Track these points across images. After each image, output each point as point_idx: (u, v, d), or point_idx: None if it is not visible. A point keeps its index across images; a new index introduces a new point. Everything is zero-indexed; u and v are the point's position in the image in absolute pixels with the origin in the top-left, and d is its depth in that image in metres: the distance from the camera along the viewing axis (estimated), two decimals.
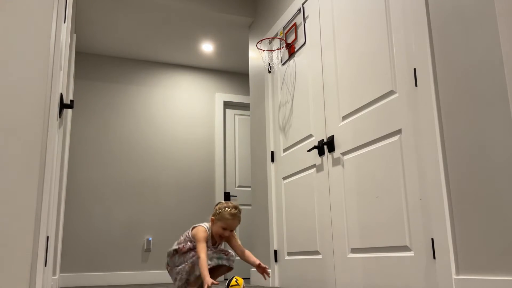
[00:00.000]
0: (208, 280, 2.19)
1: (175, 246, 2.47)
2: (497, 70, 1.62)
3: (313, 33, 3.04)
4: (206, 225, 2.45)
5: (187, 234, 2.48)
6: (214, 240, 2.44)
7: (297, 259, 2.99)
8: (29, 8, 1.49)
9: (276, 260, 3.30)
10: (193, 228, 2.45)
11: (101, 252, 4.44)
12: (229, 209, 2.38)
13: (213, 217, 2.41)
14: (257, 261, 2.41)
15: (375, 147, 2.33)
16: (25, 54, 1.46)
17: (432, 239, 1.89)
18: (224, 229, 2.39)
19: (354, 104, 2.52)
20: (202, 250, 2.31)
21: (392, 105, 2.21)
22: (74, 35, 3.89)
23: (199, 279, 2.36)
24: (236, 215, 2.41)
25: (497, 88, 1.62)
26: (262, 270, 2.39)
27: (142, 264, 4.57)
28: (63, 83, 2.40)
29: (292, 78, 3.31)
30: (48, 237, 1.74)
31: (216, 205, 2.48)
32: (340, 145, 2.62)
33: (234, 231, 2.49)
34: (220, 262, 2.43)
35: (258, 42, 3.60)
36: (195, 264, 2.37)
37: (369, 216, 2.33)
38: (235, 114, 5.41)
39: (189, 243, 2.43)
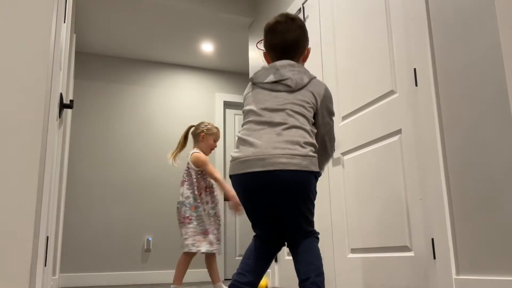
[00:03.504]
0: (235, 199, 2.58)
1: (195, 192, 2.80)
2: (497, 70, 1.62)
3: (313, 33, 3.04)
4: (197, 150, 2.93)
5: (187, 171, 2.84)
6: None
7: None
8: (29, 8, 1.49)
9: (276, 260, 3.30)
10: (190, 157, 2.87)
11: (101, 252, 4.44)
12: (212, 124, 3.00)
13: (203, 133, 2.93)
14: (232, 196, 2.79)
15: (375, 147, 2.33)
16: (25, 54, 1.46)
17: (432, 239, 1.89)
18: (215, 140, 2.98)
19: (354, 104, 2.52)
20: (215, 171, 2.81)
21: (392, 105, 2.21)
22: (74, 35, 3.89)
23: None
24: (218, 128, 3.02)
25: (497, 88, 1.62)
26: (234, 207, 2.78)
27: (142, 264, 4.57)
28: (63, 83, 2.40)
29: None
30: (48, 237, 1.74)
31: (192, 127, 3.02)
32: (340, 145, 2.62)
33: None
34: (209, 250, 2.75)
35: (258, 42, 3.59)
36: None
37: (369, 216, 2.33)
38: (235, 114, 5.41)
39: (194, 178, 2.81)
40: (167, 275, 4.55)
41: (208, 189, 2.82)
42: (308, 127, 1.55)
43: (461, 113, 1.77)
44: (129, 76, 4.99)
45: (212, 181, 2.87)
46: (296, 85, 1.59)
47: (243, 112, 1.70)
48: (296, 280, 1.61)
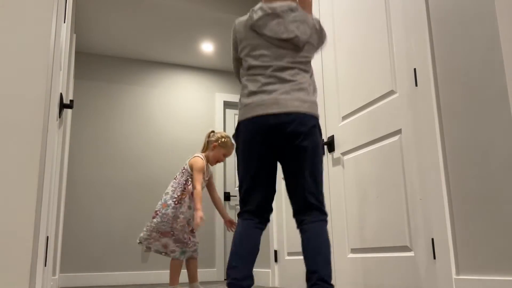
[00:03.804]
0: (200, 213, 2.52)
1: (177, 193, 2.69)
2: (497, 70, 1.62)
3: None
4: (201, 155, 2.79)
5: (183, 170, 2.75)
6: (207, 167, 2.81)
7: (297, 259, 2.99)
8: (29, 8, 1.49)
9: (276, 260, 3.30)
10: (190, 160, 2.77)
11: (101, 252, 4.44)
12: (229, 139, 2.81)
13: (216, 143, 2.77)
14: (228, 217, 2.81)
15: (375, 147, 2.33)
16: (25, 54, 1.46)
17: (432, 239, 1.89)
18: (224, 155, 2.80)
19: (354, 104, 2.52)
20: (199, 182, 2.65)
21: (392, 105, 2.21)
22: (74, 35, 3.89)
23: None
24: (234, 146, 2.78)
25: (497, 88, 1.62)
26: (229, 225, 2.77)
27: (142, 264, 4.57)
28: (63, 83, 2.40)
29: None
30: (48, 237, 1.74)
31: (211, 132, 2.86)
32: (340, 145, 2.62)
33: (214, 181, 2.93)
34: (184, 256, 2.62)
35: None
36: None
37: (369, 216, 2.33)
38: (235, 114, 5.41)
39: (190, 181, 2.73)
40: (167, 275, 4.55)
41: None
42: (312, 83, 1.71)
43: (461, 113, 1.77)
44: (129, 76, 4.99)
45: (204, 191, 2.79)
46: (302, 42, 1.67)
47: (237, 52, 1.76)
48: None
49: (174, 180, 2.77)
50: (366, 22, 2.46)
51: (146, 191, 4.75)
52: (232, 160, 5.23)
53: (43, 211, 1.44)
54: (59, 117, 1.99)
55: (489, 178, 1.63)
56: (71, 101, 2.18)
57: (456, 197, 1.77)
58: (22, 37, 1.46)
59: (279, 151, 1.64)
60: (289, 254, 3.12)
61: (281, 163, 1.69)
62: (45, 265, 1.73)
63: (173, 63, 5.20)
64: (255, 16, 1.69)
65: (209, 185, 2.85)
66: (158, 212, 2.68)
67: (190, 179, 2.72)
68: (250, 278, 1.56)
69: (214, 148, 2.77)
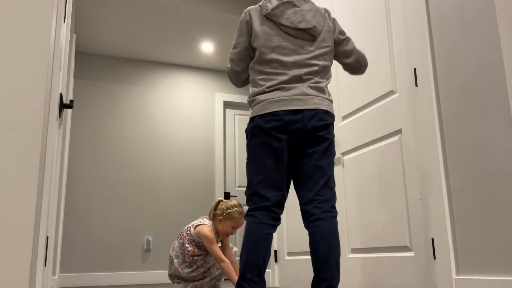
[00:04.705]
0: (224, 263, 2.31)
1: (179, 258, 2.44)
2: (497, 70, 1.62)
3: None
4: (208, 222, 2.47)
5: (188, 232, 2.47)
6: (216, 238, 2.48)
7: (297, 259, 2.99)
8: (29, 8, 1.49)
9: (276, 260, 3.30)
10: (196, 226, 2.45)
11: (101, 252, 4.44)
12: (236, 208, 2.46)
13: (221, 217, 2.45)
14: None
15: (375, 147, 2.33)
16: (25, 54, 1.46)
17: (432, 239, 1.89)
18: (233, 227, 2.46)
19: (354, 104, 2.52)
20: (220, 252, 2.36)
21: (392, 105, 2.21)
22: (74, 35, 3.89)
23: None
24: (243, 213, 2.45)
25: (497, 88, 1.62)
26: None
27: (142, 264, 4.57)
28: (63, 83, 2.40)
29: None
30: (48, 237, 1.74)
31: (218, 204, 2.52)
32: (340, 145, 2.62)
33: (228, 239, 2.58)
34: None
35: None
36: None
37: (369, 216, 2.33)
38: (235, 114, 5.41)
39: (195, 248, 2.44)
40: (167, 275, 4.55)
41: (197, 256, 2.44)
42: (328, 81, 1.72)
43: (461, 113, 1.77)
44: (129, 76, 4.99)
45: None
46: (318, 33, 1.69)
47: (249, 42, 1.73)
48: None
49: (180, 241, 2.47)
50: (366, 22, 2.46)
51: (146, 191, 4.75)
52: (232, 159, 5.23)
53: (43, 211, 1.44)
54: (59, 117, 1.99)
55: (489, 178, 1.63)
56: (71, 101, 2.18)
57: (456, 197, 1.77)
58: (22, 37, 1.46)
59: (296, 146, 1.63)
60: (289, 254, 3.12)
61: (293, 159, 1.66)
62: (45, 265, 1.73)
63: (173, 63, 5.20)
64: (270, 5, 1.67)
65: (222, 242, 2.56)
66: (180, 278, 2.43)
67: (194, 244, 2.44)
68: None
69: (220, 222, 2.46)
